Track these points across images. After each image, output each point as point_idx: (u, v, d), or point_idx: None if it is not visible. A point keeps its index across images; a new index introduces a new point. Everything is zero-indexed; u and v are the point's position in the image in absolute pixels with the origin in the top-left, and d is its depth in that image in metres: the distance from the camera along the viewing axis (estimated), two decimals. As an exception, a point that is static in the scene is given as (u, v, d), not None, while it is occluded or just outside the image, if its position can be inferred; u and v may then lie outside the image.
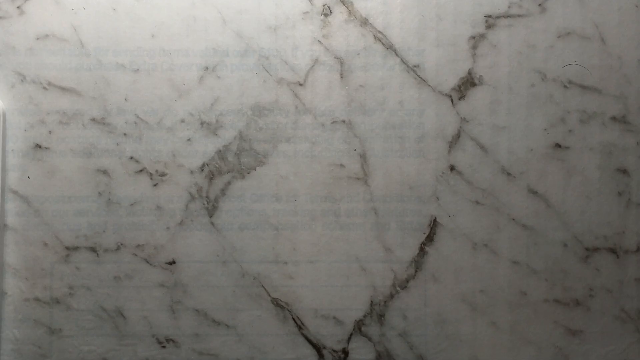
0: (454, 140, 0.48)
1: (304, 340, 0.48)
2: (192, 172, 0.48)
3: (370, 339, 0.48)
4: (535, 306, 0.48)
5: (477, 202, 0.48)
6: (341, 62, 0.48)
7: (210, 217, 0.48)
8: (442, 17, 0.48)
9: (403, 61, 0.48)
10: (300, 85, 0.48)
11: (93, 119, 0.48)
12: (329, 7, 0.48)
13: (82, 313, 0.48)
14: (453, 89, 0.48)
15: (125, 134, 0.48)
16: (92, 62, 0.48)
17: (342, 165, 0.48)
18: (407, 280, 0.48)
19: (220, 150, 0.48)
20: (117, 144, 0.48)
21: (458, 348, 0.48)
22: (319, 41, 0.48)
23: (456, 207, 0.48)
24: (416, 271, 0.48)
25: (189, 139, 0.48)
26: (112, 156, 0.48)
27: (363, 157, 0.48)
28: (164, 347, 0.48)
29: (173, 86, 0.48)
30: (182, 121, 0.48)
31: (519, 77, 0.48)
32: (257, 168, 0.48)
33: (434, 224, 0.48)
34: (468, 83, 0.48)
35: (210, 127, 0.48)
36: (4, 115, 0.47)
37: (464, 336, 0.48)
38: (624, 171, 0.48)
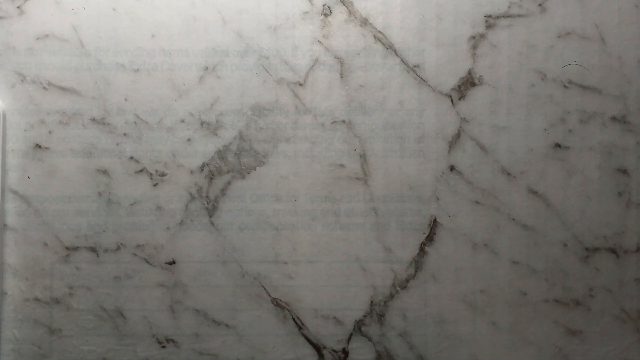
0: (454, 140, 0.48)
1: (304, 340, 0.48)
2: (192, 172, 0.48)
3: (370, 339, 0.48)
4: (535, 306, 0.48)
5: (477, 202, 0.48)
6: (341, 62, 0.48)
7: (210, 217, 0.48)
8: (442, 17, 0.48)
9: (403, 61, 0.48)
10: (300, 85, 0.48)
11: (93, 119, 0.48)
12: (329, 7, 0.48)
13: (82, 313, 0.48)
14: (453, 89, 0.48)
15: (125, 134, 0.48)
16: (92, 62, 0.48)
17: (342, 165, 0.48)
18: (407, 280, 0.48)
19: (220, 150, 0.48)
20: (117, 144, 0.48)
21: (458, 348, 0.48)
22: (319, 41, 0.48)
23: (456, 207, 0.48)
24: (416, 271, 0.48)
25: (189, 139, 0.48)
26: (112, 156, 0.48)
27: (363, 157, 0.48)
28: (164, 347, 0.48)
29: (173, 86, 0.48)
30: (182, 121, 0.48)
31: (519, 77, 0.48)
32: (257, 168, 0.48)
33: (434, 224, 0.48)
34: (468, 83, 0.48)
35: (210, 127, 0.48)
36: (4, 115, 0.47)
37: (464, 336, 0.48)
38: (624, 171, 0.48)
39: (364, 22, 0.48)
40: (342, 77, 0.48)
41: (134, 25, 0.48)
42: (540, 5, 0.49)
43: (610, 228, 0.48)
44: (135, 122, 0.48)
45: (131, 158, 0.48)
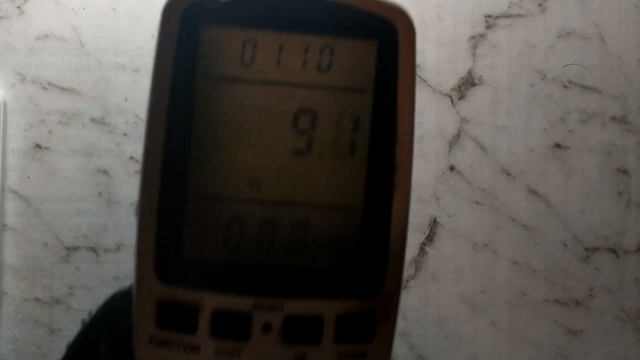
0: (454, 140, 0.48)
1: (304, 340, 0.48)
2: (192, 172, 0.48)
3: (370, 339, 0.48)
4: (535, 306, 0.48)
5: (477, 202, 0.48)
6: (341, 62, 0.48)
7: (210, 217, 0.48)
8: (442, 17, 0.48)
9: (403, 61, 0.48)
10: (300, 85, 0.48)
11: (93, 119, 0.48)
12: None
13: (83, 313, 0.48)
14: (453, 88, 0.48)
15: (125, 134, 0.48)
16: (92, 62, 0.48)
17: (342, 165, 0.48)
18: (407, 280, 0.48)
19: (220, 150, 0.48)
20: (117, 144, 0.48)
21: (458, 348, 0.48)
22: (319, 41, 0.48)
23: (456, 207, 0.48)
24: (416, 271, 0.48)
25: (189, 139, 0.48)
26: (112, 156, 0.48)
27: (363, 157, 0.48)
28: (164, 347, 0.48)
29: (173, 86, 0.48)
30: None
31: (519, 77, 0.48)
32: (257, 168, 0.48)
33: (434, 224, 0.48)
34: (468, 83, 0.48)
35: (210, 127, 0.48)
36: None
37: (464, 336, 0.48)
38: (624, 171, 0.48)
39: (364, 22, 0.48)
40: (342, 77, 0.48)
41: (134, 25, 0.48)
42: (540, 5, 0.48)
43: (610, 228, 0.48)
44: (135, 122, 0.48)
45: (131, 158, 0.48)
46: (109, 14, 0.48)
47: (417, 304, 0.48)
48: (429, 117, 0.48)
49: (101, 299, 0.48)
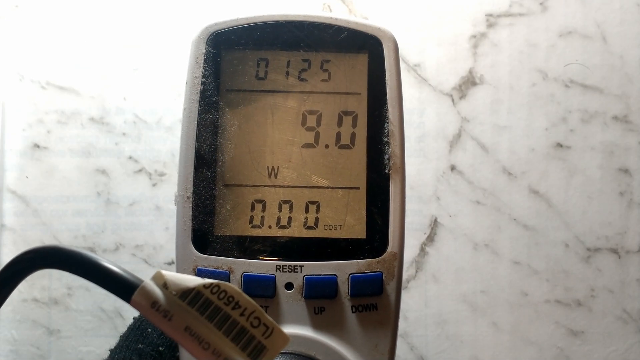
0: (455, 140, 0.48)
1: (304, 341, 0.48)
2: (191, 171, 0.48)
3: (370, 340, 0.48)
4: (537, 307, 0.48)
5: (478, 202, 0.48)
6: (341, 61, 0.48)
7: (210, 217, 0.48)
8: (443, 16, 0.48)
9: (403, 60, 0.48)
10: (300, 84, 0.48)
11: (92, 119, 0.47)
12: (329, 6, 0.48)
13: (81, 314, 0.47)
14: (454, 88, 0.48)
15: (124, 134, 0.47)
16: (91, 61, 0.47)
17: (342, 165, 0.48)
18: (408, 281, 0.48)
19: (219, 150, 0.48)
20: (116, 144, 0.47)
21: (459, 349, 0.48)
22: (319, 40, 0.48)
23: (457, 207, 0.48)
24: (416, 271, 0.48)
25: (188, 139, 0.48)
26: (111, 156, 0.47)
27: (363, 156, 0.48)
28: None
29: (172, 85, 0.47)
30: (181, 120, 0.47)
31: (520, 76, 0.48)
32: (257, 168, 0.48)
33: (434, 224, 0.48)
34: (469, 82, 0.48)
35: (210, 127, 0.48)
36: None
37: (465, 337, 0.48)
38: (626, 171, 0.48)
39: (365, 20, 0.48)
40: (342, 77, 0.48)
41: (133, 23, 0.47)
42: (541, 4, 0.48)
43: (611, 228, 0.48)
44: (134, 122, 0.47)
45: (130, 158, 0.47)
46: (108, 12, 0.48)
47: (417, 304, 0.48)
48: (430, 116, 0.48)
49: (100, 299, 0.47)
